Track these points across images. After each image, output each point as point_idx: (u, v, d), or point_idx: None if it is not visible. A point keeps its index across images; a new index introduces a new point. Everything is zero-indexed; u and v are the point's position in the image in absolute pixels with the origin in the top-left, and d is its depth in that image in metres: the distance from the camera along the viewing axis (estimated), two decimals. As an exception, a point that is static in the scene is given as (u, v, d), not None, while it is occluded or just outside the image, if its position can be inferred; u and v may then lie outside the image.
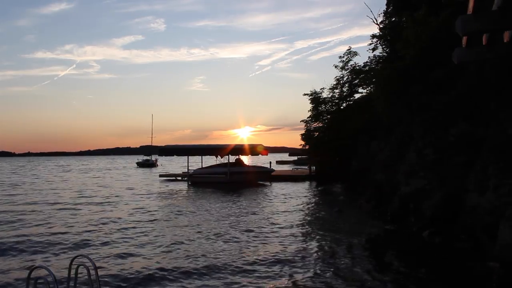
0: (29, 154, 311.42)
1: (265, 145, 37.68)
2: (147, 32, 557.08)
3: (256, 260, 9.94)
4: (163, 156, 41.57)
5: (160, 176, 43.27)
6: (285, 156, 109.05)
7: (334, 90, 33.38)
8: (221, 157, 35.47)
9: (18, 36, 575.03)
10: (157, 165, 78.44)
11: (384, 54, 26.37)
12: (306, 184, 32.93)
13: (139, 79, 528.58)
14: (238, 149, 35.87)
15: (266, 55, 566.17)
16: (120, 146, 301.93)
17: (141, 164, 78.60)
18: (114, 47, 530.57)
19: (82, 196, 25.59)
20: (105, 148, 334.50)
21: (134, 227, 14.66)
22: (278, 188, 30.17)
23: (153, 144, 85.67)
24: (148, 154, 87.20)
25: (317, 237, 12.87)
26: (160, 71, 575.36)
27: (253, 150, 36.37)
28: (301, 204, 20.63)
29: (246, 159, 54.39)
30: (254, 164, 43.45)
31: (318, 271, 9.04)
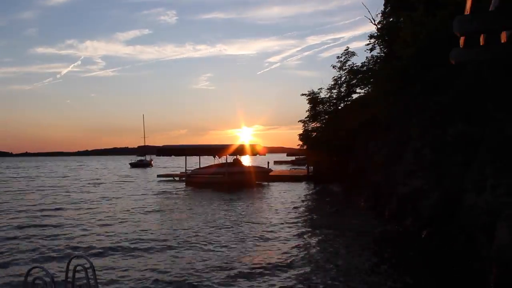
0: (26, 154, 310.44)
1: (262, 145, 37.73)
2: (154, 26, 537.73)
3: (252, 261, 9.93)
4: (161, 156, 41.58)
5: (158, 176, 43.20)
6: (283, 156, 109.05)
7: (332, 90, 33.45)
8: (219, 157, 35.42)
9: (20, 30, 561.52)
10: (152, 165, 78.36)
11: (382, 54, 26.40)
12: (304, 184, 32.95)
13: (143, 77, 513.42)
14: (236, 149, 35.83)
15: (276, 52, 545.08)
16: (118, 146, 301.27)
17: (134, 165, 77.79)
18: (119, 42, 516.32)
19: (77, 197, 25.55)
20: (102, 148, 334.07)
21: (130, 228, 14.64)
22: (276, 188, 30.17)
23: (150, 144, 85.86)
24: (142, 154, 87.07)
25: (314, 237, 12.86)
26: (166, 68, 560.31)
27: (251, 150, 36.38)
28: (299, 204, 20.62)
29: (246, 159, 54.35)
30: (251, 164, 43.41)
31: (315, 272, 9.04)
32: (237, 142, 37.84)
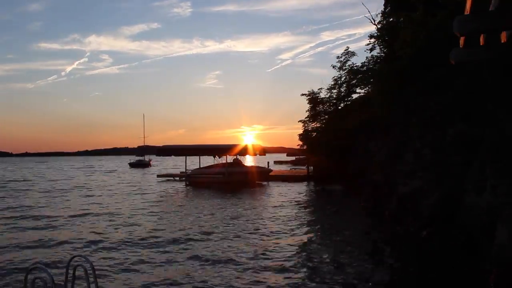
0: (26, 154, 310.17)
1: (262, 145, 37.82)
2: (163, 20, 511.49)
3: (252, 262, 9.94)
4: (161, 156, 41.65)
5: (158, 176, 43.20)
6: (283, 156, 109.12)
7: (332, 91, 33.46)
8: (219, 157, 35.47)
9: (22, 25, 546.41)
10: (151, 165, 78.39)
11: (382, 54, 26.39)
12: (304, 184, 32.94)
13: (149, 74, 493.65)
14: (237, 149, 35.85)
15: (288, 48, 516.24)
16: (118, 146, 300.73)
17: (133, 165, 77.78)
18: (124, 37, 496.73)
19: (75, 197, 25.57)
20: (102, 148, 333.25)
21: (130, 229, 14.66)
22: (276, 188, 30.17)
23: (150, 144, 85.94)
24: (141, 154, 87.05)
25: (314, 237, 12.87)
26: (173, 65, 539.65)
27: (252, 150, 36.46)
28: (299, 204, 20.63)
29: (248, 159, 54.31)
30: (251, 164, 43.44)
31: (315, 272, 9.04)
32: (238, 143, 37.96)
